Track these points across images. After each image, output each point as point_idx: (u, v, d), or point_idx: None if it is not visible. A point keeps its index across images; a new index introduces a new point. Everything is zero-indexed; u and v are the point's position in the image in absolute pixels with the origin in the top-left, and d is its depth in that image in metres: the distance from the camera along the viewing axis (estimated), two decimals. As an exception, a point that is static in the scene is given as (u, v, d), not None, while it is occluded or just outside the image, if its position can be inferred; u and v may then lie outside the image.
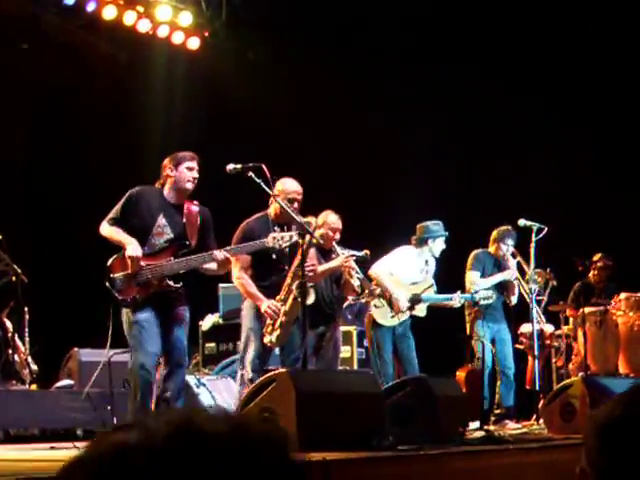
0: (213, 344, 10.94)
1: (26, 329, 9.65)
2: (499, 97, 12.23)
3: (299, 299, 6.93)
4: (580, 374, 9.47)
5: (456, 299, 9.19)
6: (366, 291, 8.48)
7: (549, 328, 10.84)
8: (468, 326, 9.67)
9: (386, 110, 12.65)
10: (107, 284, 6.63)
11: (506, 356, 9.67)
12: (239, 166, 6.94)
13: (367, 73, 12.70)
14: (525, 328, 10.56)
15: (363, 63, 12.73)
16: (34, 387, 9.47)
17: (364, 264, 8.63)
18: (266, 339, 7.19)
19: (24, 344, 9.63)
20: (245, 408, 5.53)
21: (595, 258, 10.74)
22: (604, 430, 1.61)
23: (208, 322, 10.87)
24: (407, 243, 9.49)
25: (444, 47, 12.48)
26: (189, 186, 6.85)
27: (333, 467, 4.49)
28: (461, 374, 8.61)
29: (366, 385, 6.10)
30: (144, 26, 12.22)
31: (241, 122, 12.70)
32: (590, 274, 10.91)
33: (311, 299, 7.38)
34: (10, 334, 9.52)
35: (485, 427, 7.57)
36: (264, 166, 6.90)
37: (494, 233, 9.85)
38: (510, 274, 9.57)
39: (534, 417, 9.34)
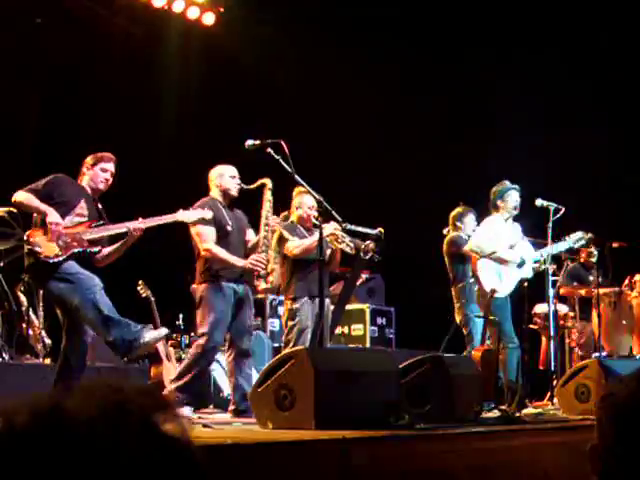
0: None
1: (40, 303, 9.65)
2: (512, 77, 12.17)
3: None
4: (595, 355, 9.45)
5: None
6: (362, 247, 8.45)
7: (563, 308, 10.81)
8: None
9: (401, 82, 12.60)
10: (28, 248, 6.66)
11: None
12: (258, 142, 6.93)
13: (382, 47, 12.63)
14: (539, 308, 10.53)
15: (377, 37, 12.67)
16: (48, 361, 9.48)
17: (378, 242, 8.60)
18: (262, 285, 7.43)
19: (38, 318, 9.63)
20: (262, 385, 5.52)
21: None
22: (624, 411, 1.59)
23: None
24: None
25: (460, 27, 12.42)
26: (101, 187, 7.07)
27: (352, 445, 4.48)
28: (477, 353, 8.58)
29: (383, 363, 6.07)
30: (159, 1, 12.17)
31: (256, 97, 12.66)
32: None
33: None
34: (24, 308, 9.54)
35: (501, 407, 7.54)
36: (283, 142, 6.86)
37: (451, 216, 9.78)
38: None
39: (547, 397, 9.33)
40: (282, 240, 7.81)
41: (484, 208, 9.49)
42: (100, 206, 7.08)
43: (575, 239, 9.34)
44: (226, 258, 7.42)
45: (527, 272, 9.13)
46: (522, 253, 9.12)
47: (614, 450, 1.60)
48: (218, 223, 7.47)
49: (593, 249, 10.43)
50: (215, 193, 7.71)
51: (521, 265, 9.07)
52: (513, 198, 9.19)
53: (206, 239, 7.42)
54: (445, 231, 9.72)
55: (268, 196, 7.71)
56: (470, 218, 9.63)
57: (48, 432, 0.94)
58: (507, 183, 9.27)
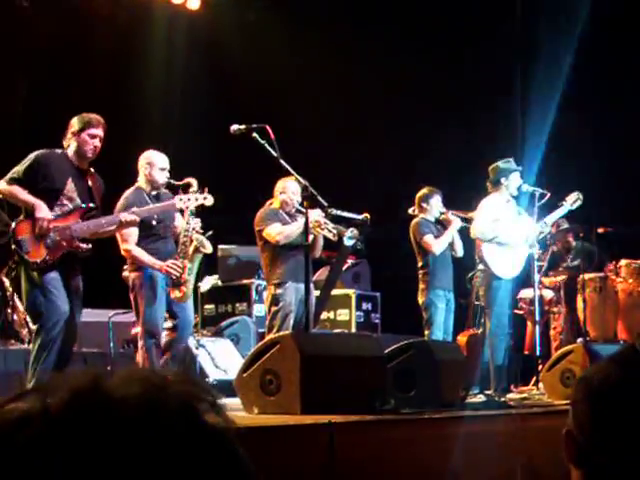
0: (212, 306, 10.96)
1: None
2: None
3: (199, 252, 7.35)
4: (580, 340, 9.48)
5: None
6: (345, 234, 8.44)
7: (548, 294, 10.83)
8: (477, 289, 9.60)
9: (390, 71, 12.57)
10: (14, 247, 6.50)
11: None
12: (243, 127, 6.90)
13: (370, 34, 12.61)
14: (524, 293, 10.54)
15: (365, 25, 12.65)
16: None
17: (363, 227, 8.61)
18: (175, 294, 7.26)
19: (22, 304, 9.59)
20: (248, 370, 5.52)
21: (553, 228, 10.63)
22: (598, 394, 1.58)
23: (207, 284, 10.85)
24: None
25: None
26: (90, 155, 6.75)
27: (337, 430, 4.48)
28: (462, 339, 8.62)
29: (369, 348, 6.08)
30: (144, -15, 12.11)
31: (241, 83, 12.62)
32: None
33: (209, 248, 7.57)
34: (9, 293, 9.50)
35: (485, 392, 7.58)
36: (268, 127, 6.85)
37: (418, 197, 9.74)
38: (459, 223, 9.44)
39: (533, 382, 9.35)
40: (197, 251, 7.60)
41: (476, 191, 9.45)
42: (92, 183, 6.82)
43: (571, 201, 9.31)
44: (144, 260, 7.20)
45: (533, 247, 9.10)
46: (524, 230, 9.07)
47: (589, 435, 1.59)
48: (143, 219, 7.23)
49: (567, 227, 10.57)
50: (142, 181, 7.43)
51: (526, 242, 9.04)
52: (517, 179, 9.14)
53: (127, 239, 7.23)
54: (411, 210, 9.65)
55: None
56: (436, 199, 9.56)
57: (87, 412, 0.91)
58: (513, 162, 9.21)
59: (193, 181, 7.39)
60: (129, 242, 7.25)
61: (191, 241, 7.33)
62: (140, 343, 7.31)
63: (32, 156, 6.66)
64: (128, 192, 7.39)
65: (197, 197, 7.03)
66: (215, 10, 12.73)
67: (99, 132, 6.73)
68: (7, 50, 11.39)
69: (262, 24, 12.71)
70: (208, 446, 0.95)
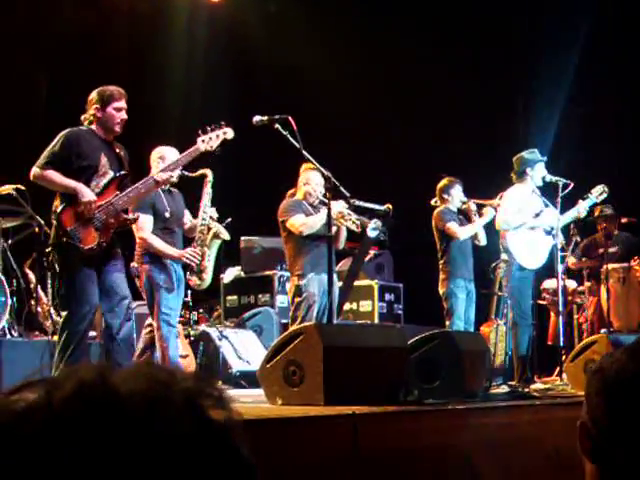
0: (235, 297, 10.96)
1: (49, 280, 9.66)
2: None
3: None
4: (603, 330, 9.44)
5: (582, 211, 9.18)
6: (368, 225, 8.43)
7: (572, 284, 10.78)
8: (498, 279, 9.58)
9: (411, 61, 12.54)
10: (65, 240, 6.36)
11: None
12: (265, 118, 6.88)
13: (389, 23, 12.58)
14: (548, 284, 10.50)
15: (384, 13, 12.61)
16: (56, 338, 9.48)
17: (386, 218, 8.59)
18: (195, 281, 7.37)
19: (47, 295, 9.64)
20: (271, 361, 5.52)
21: (596, 212, 10.55)
22: (614, 387, 1.56)
23: (229, 275, 10.87)
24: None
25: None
26: (118, 129, 6.61)
27: (361, 421, 4.48)
28: (486, 329, 8.59)
29: (392, 339, 6.07)
30: (165, -23, 12.12)
31: (263, 74, 12.62)
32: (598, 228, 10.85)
33: (226, 235, 7.61)
34: (33, 285, 9.54)
35: (509, 383, 7.55)
36: (290, 118, 6.83)
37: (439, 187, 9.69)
38: (492, 213, 9.37)
39: (556, 373, 9.32)
40: (215, 237, 7.61)
41: (498, 180, 9.41)
42: (118, 151, 6.69)
43: (597, 193, 9.25)
44: (161, 248, 7.24)
45: (557, 238, 9.03)
46: (549, 221, 9.03)
47: (605, 428, 1.57)
48: (157, 210, 7.28)
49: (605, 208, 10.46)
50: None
51: (550, 232, 8.98)
52: (542, 169, 9.09)
53: (142, 227, 7.24)
54: (433, 202, 9.63)
55: (208, 189, 7.51)
56: (457, 190, 9.53)
57: (92, 405, 0.90)
58: (537, 153, 9.16)
59: (208, 172, 7.40)
60: (145, 230, 7.27)
61: (209, 229, 7.37)
62: (158, 334, 7.32)
63: (62, 136, 6.50)
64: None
65: (217, 134, 6.84)
66: (236, 1, 12.72)
67: (123, 104, 6.60)
68: (28, 44, 11.42)
69: (283, 15, 12.69)
70: (210, 442, 0.94)
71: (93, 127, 6.62)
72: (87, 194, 6.36)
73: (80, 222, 6.38)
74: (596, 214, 10.37)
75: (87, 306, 6.44)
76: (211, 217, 7.36)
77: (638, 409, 1.53)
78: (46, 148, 6.51)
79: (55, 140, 6.50)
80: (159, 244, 7.28)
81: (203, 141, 6.80)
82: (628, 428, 1.53)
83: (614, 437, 1.55)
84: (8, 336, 8.82)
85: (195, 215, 7.60)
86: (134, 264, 7.52)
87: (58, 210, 6.42)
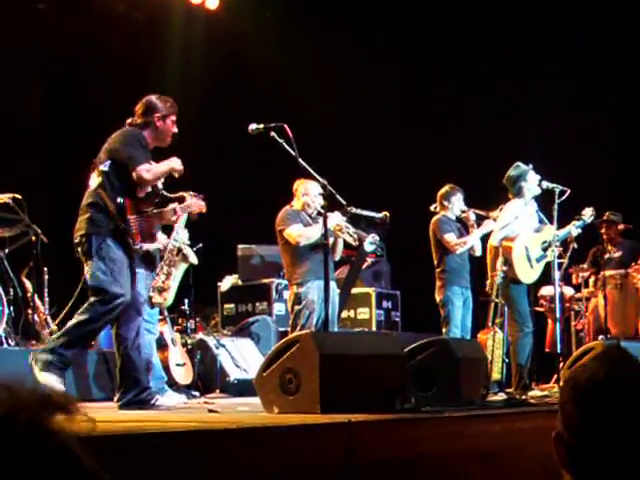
0: (232, 305, 10.96)
1: (45, 289, 9.65)
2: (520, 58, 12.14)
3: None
4: (601, 337, 9.44)
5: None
6: (366, 240, 8.43)
7: (569, 291, 10.79)
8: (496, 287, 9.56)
9: (406, 65, 12.55)
10: (123, 227, 6.25)
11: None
12: (261, 126, 6.87)
13: (386, 30, 12.59)
14: (545, 291, 10.51)
15: (381, 20, 12.63)
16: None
17: (383, 226, 8.60)
18: (156, 299, 7.12)
19: (44, 304, 9.63)
20: (268, 369, 5.51)
21: (604, 216, 10.55)
22: (585, 394, 1.55)
23: (227, 283, 10.87)
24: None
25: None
26: (169, 141, 6.56)
27: (357, 429, 4.47)
28: (483, 337, 8.58)
29: (389, 347, 6.07)
30: (162, -15, 12.13)
31: (259, 82, 12.62)
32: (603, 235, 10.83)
33: (194, 259, 7.45)
34: (30, 294, 9.53)
35: (506, 390, 7.54)
36: (286, 126, 6.82)
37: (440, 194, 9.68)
38: (490, 226, 9.33)
39: (554, 380, 9.31)
40: (183, 260, 7.50)
41: (494, 191, 9.39)
42: None
43: (588, 215, 9.24)
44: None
45: (551, 255, 9.01)
46: (543, 237, 9.00)
47: (577, 436, 1.57)
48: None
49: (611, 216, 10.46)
50: None
51: (546, 248, 8.95)
52: (534, 176, 9.05)
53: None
54: (432, 207, 9.63)
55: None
56: (457, 198, 9.54)
57: None
58: (521, 164, 9.12)
59: (186, 194, 7.02)
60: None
61: (179, 251, 7.27)
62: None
63: (133, 135, 6.40)
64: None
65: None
66: (233, 9, 12.73)
67: (175, 117, 6.55)
68: (24, 52, 11.43)
69: (279, 23, 12.70)
70: (52, 462, 0.94)
71: (145, 133, 6.49)
72: (178, 161, 6.32)
73: (138, 216, 6.38)
74: (604, 218, 10.40)
75: (126, 294, 6.21)
76: (182, 241, 7.23)
77: (609, 415, 1.53)
78: (106, 152, 6.35)
79: (126, 140, 6.37)
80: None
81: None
82: (600, 434, 1.54)
83: (588, 444, 1.55)
84: (5, 345, 8.80)
85: (169, 236, 7.38)
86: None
87: (119, 201, 6.26)
